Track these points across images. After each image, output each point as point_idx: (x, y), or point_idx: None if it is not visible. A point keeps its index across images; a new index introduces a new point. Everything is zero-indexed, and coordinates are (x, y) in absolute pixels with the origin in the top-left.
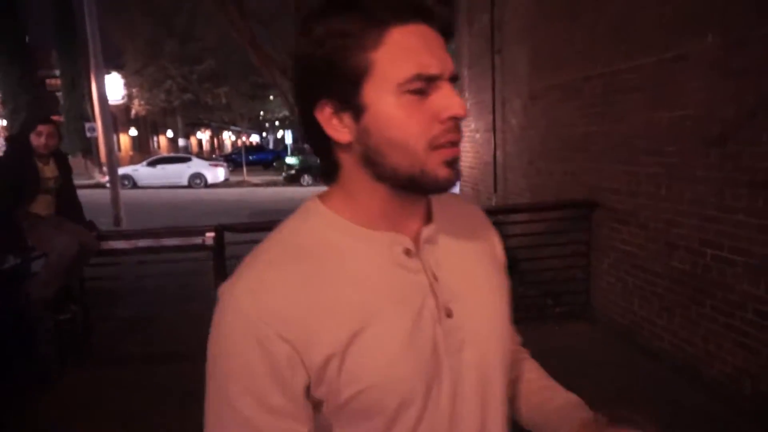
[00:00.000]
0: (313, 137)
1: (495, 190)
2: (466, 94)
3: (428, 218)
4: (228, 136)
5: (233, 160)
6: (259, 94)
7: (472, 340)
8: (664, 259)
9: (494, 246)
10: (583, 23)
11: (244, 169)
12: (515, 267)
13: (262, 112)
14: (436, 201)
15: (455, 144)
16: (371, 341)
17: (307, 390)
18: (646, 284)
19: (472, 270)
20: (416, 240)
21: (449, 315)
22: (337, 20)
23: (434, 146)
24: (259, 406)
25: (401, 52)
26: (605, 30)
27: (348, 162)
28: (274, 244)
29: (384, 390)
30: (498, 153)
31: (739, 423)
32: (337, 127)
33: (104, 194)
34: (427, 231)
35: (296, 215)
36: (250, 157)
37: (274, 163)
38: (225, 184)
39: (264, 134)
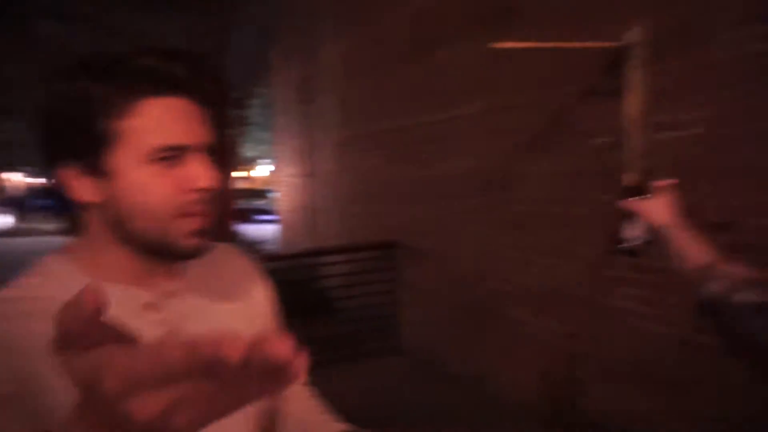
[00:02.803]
0: (57, 194)
1: (311, 233)
2: (282, 140)
3: (178, 273)
4: (19, 178)
5: (22, 205)
6: None
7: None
8: (456, 292)
9: (259, 295)
10: (385, 82)
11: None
12: (328, 307)
13: None
14: None
15: (205, 214)
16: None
17: None
18: (443, 315)
19: (222, 320)
20: (162, 294)
21: None
22: (91, 84)
23: (181, 214)
24: None
25: (152, 123)
26: (403, 89)
27: (94, 221)
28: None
29: None
30: (313, 197)
31: (523, 426)
32: (80, 188)
33: None
34: (171, 287)
35: (34, 270)
36: (40, 202)
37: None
38: (12, 232)
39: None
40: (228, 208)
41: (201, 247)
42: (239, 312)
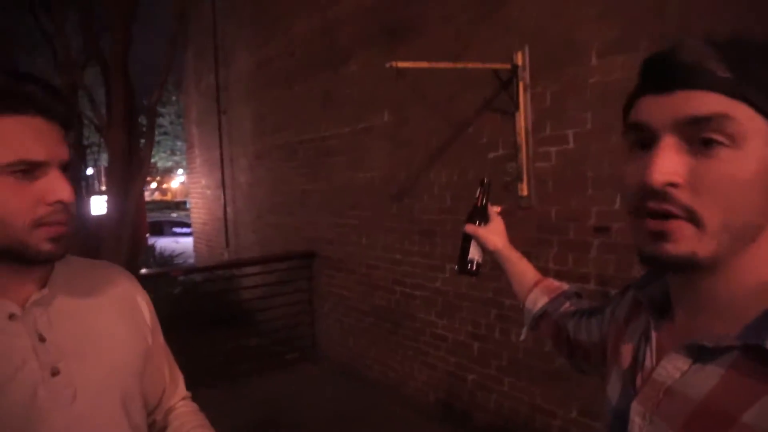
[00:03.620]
0: None
1: (227, 245)
2: (196, 151)
3: (43, 284)
4: None
5: None
6: None
7: (84, 394)
8: (369, 299)
9: (134, 305)
10: (296, 93)
11: None
12: (244, 318)
13: None
14: (64, 267)
15: (61, 223)
16: None
17: None
18: (357, 322)
19: (91, 329)
20: (27, 303)
21: (55, 373)
22: None
23: (39, 224)
24: None
25: (8, 139)
26: (314, 101)
27: None
28: None
29: None
30: (228, 208)
31: (427, 426)
32: None
33: None
34: (37, 295)
35: None
36: None
37: None
38: None
39: None
40: (140, 221)
41: (58, 252)
42: (113, 319)
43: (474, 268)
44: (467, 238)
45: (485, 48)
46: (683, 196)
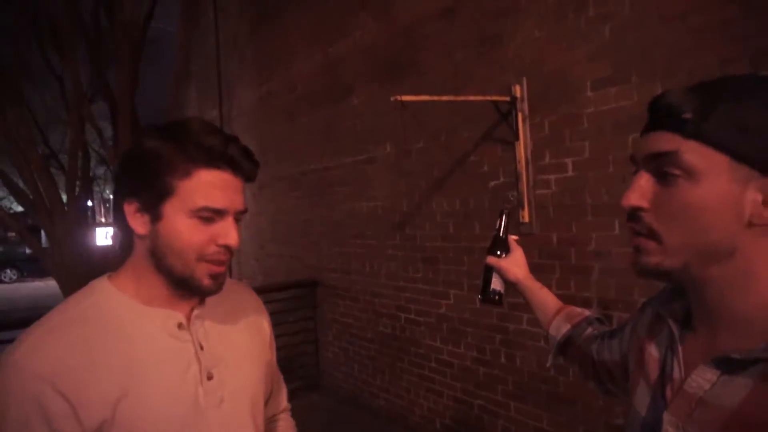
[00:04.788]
0: (119, 219)
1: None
2: None
3: (202, 300)
4: None
5: None
6: None
7: (229, 398)
8: (373, 326)
9: (261, 323)
10: (298, 126)
11: None
12: None
13: None
14: None
15: (222, 263)
16: (136, 404)
17: None
18: (362, 350)
19: (234, 342)
20: (189, 316)
21: (210, 378)
22: (165, 149)
23: (204, 260)
24: None
25: (200, 187)
26: (316, 134)
27: (140, 249)
28: (55, 314)
29: None
30: None
31: None
32: (137, 220)
33: None
34: (197, 311)
35: (82, 291)
36: None
37: None
38: None
39: None
40: None
41: (215, 288)
42: (249, 334)
43: (497, 298)
44: (489, 270)
45: (483, 84)
46: (648, 217)
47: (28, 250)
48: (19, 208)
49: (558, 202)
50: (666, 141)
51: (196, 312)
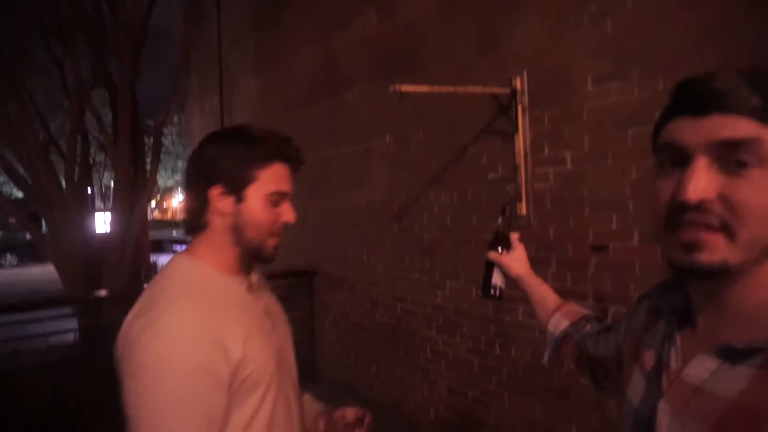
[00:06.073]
0: (195, 203)
1: None
2: None
3: (252, 269)
4: None
5: None
6: None
7: (284, 347)
8: (369, 316)
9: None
10: (298, 116)
11: None
12: None
13: None
14: None
15: (281, 236)
16: (252, 343)
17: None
18: (357, 339)
19: (275, 304)
20: (251, 283)
21: (274, 328)
22: (247, 147)
23: (271, 234)
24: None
25: (273, 176)
26: (315, 124)
27: (219, 225)
28: (176, 288)
29: (261, 368)
30: None
31: None
32: (221, 201)
33: None
34: (254, 277)
35: (174, 267)
36: None
37: None
38: None
39: None
40: (143, 239)
41: (274, 256)
42: (276, 300)
43: (497, 293)
44: (490, 265)
45: (484, 77)
46: (719, 209)
47: (28, 236)
48: (21, 194)
49: (556, 195)
50: (740, 126)
51: (253, 279)
